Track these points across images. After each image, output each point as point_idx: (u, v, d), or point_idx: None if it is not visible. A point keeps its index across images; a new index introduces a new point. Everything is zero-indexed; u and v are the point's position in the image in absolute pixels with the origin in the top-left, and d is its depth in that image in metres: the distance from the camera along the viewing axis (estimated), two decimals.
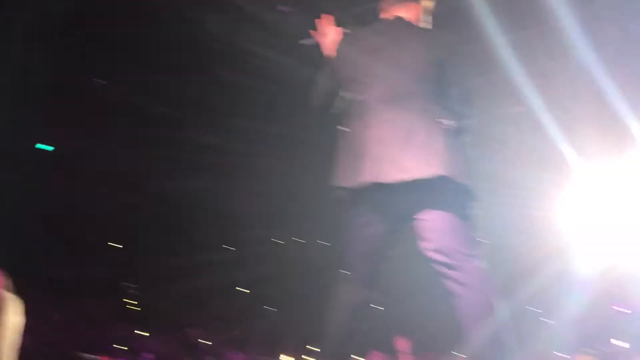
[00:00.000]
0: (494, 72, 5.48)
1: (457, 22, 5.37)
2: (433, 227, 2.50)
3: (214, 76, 6.99)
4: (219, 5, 5.99)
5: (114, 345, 7.47)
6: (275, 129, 7.41)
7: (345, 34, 2.85)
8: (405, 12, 2.80)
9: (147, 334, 7.30)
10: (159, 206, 7.59)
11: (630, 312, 6.00)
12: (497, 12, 5.23)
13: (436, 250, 2.49)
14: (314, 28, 2.90)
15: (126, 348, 7.72)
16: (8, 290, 3.76)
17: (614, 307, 6.01)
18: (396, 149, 2.47)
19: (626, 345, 6.41)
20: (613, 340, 6.60)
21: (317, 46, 2.97)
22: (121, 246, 7.63)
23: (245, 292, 7.97)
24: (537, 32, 5.63)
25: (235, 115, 7.26)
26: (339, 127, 2.70)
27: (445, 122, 2.51)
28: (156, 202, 7.55)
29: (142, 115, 7.35)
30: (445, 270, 2.48)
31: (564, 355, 6.90)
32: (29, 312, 3.67)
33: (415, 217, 2.55)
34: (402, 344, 6.55)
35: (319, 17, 2.90)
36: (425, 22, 2.85)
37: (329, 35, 2.88)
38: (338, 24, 2.90)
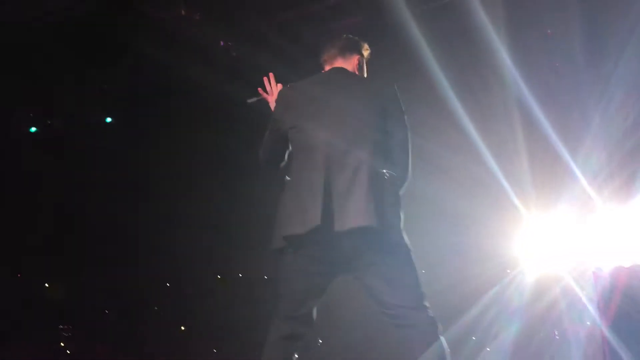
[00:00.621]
0: (435, 104, 5.77)
1: (400, 58, 5.65)
2: (377, 285, 2.59)
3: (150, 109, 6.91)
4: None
5: None
6: (216, 157, 7.37)
7: (287, 86, 2.94)
8: (345, 64, 2.89)
9: None
10: (95, 243, 7.28)
11: (567, 338, 6.26)
12: (437, 50, 5.55)
13: (381, 306, 2.61)
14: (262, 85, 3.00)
15: None
16: None
17: (555, 333, 6.26)
18: (337, 199, 2.52)
19: None
20: None
21: (264, 103, 3.06)
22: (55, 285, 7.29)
23: (186, 331, 7.73)
24: (474, 69, 6.00)
25: (176, 146, 7.17)
26: (284, 177, 2.76)
27: (386, 172, 2.59)
28: (92, 238, 7.25)
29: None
30: (394, 321, 2.61)
31: None
32: None
33: (356, 271, 2.64)
34: None
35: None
36: (364, 72, 2.98)
37: (274, 92, 2.99)
38: (282, 82, 3.01)
